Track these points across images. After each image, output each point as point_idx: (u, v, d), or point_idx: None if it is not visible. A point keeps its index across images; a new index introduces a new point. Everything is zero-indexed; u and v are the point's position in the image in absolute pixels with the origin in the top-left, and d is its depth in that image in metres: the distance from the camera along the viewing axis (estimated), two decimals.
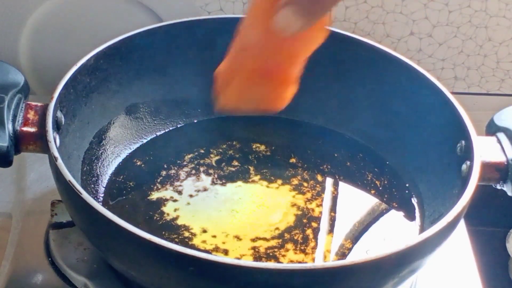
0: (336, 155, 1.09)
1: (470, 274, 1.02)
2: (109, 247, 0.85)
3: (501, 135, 0.96)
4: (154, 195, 1.00)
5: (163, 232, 0.94)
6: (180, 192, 1.00)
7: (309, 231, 0.96)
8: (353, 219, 0.98)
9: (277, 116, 1.07)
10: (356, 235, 0.96)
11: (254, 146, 1.09)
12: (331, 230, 0.96)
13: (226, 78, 0.86)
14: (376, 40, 1.13)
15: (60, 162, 0.84)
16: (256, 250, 0.93)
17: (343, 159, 1.08)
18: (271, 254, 0.92)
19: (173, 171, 1.04)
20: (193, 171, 1.05)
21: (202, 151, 1.08)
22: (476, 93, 1.35)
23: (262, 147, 1.09)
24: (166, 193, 1.00)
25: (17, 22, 1.25)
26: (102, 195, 1.00)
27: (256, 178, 1.04)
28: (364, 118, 1.11)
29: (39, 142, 0.91)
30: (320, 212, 0.99)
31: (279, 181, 1.03)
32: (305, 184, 1.03)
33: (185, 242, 0.93)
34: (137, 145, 1.07)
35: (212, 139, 1.10)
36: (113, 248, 0.84)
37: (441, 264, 1.01)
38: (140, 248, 0.78)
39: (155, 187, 1.01)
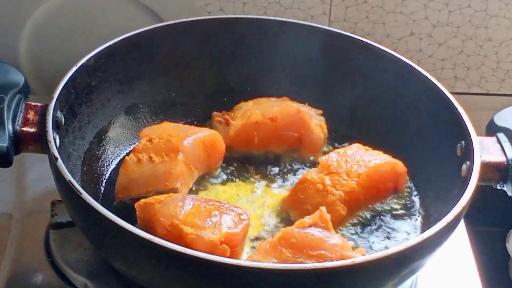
0: None
1: (470, 274, 1.02)
2: (109, 247, 0.85)
3: (501, 135, 0.96)
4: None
5: None
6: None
7: None
8: (353, 219, 0.98)
9: None
10: (356, 235, 0.96)
11: None
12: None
13: None
14: (376, 40, 1.13)
15: (60, 162, 0.85)
16: None
17: None
18: None
19: None
20: None
21: None
22: (476, 93, 1.35)
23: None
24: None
25: (17, 22, 1.25)
26: (102, 195, 1.00)
27: (256, 177, 1.04)
28: (364, 118, 1.11)
29: (39, 142, 0.91)
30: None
31: (279, 181, 1.03)
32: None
33: None
34: None
35: None
36: (113, 248, 0.84)
37: (441, 264, 1.01)
38: (140, 248, 0.78)
39: None
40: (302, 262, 0.83)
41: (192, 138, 0.99)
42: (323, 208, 0.90)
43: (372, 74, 1.09)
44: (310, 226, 0.88)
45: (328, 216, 0.89)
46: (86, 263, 0.95)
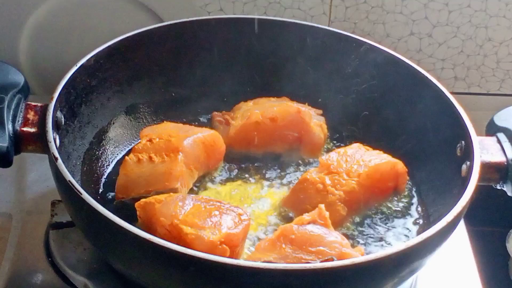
0: None
1: (470, 274, 1.02)
2: (109, 247, 0.85)
3: (501, 135, 0.96)
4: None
5: None
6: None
7: None
8: (353, 219, 0.98)
9: None
10: (356, 235, 0.96)
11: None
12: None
13: None
14: (376, 40, 1.13)
15: (60, 162, 0.85)
16: None
17: None
18: None
19: None
20: None
21: None
22: (476, 93, 1.35)
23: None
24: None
25: (17, 22, 1.25)
26: (102, 195, 1.00)
27: (256, 177, 1.04)
28: (364, 118, 1.11)
29: (39, 142, 0.91)
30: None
31: (279, 181, 1.03)
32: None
33: None
34: None
35: None
36: (113, 248, 0.84)
37: (441, 264, 1.01)
38: (140, 248, 0.78)
39: None
40: (301, 258, 0.83)
41: (192, 138, 0.99)
42: (322, 206, 0.90)
43: (372, 74, 1.09)
44: (309, 223, 0.88)
45: (326, 214, 0.89)
46: (86, 263, 0.95)
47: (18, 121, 0.91)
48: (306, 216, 0.89)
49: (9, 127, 0.89)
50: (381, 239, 0.96)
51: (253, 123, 1.05)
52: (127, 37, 1.05)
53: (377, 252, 0.79)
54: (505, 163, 0.93)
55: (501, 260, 1.18)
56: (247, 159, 1.06)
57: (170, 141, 0.98)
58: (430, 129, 1.03)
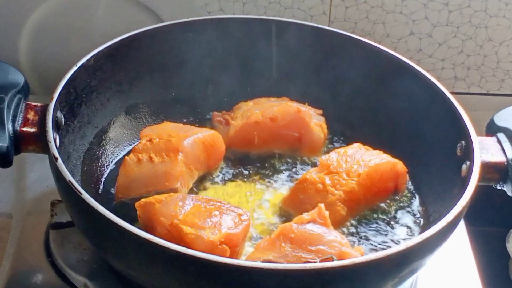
0: None
1: (470, 274, 1.02)
2: (109, 247, 0.85)
3: (501, 135, 0.96)
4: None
5: None
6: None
7: None
8: (353, 219, 0.98)
9: None
10: (356, 235, 0.96)
11: None
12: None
13: None
14: (376, 40, 1.13)
15: (60, 162, 0.85)
16: None
17: None
18: None
19: None
20: None
21: None
22: (476, 93, 1.35)
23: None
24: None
25: (17, 22, 1.25)
26: (102, 195, 1.00)
27: (256, 177, 1.04)
28: (364, 118, 1.11)
29: (39, 142, 0.91)
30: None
31: (279, 181, 1.03)
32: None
33: None
34: None
35: None
36: (113, 248, 0.84)
37: (441, 264, 1.01)
38: (140, 248, 0.78)
39: None
40: (301, 257, 0.83)
41: (192, 138, 0.99)
42: (322, 205, 0.90)
43: (372, 74, 1.09)
44: (308, 222, 0.88)
45: (326, 213, 0.89)
46: (86, 263, 0.95)
47: (18, 121, 0.91)
48: (306, 215, 0.89)
49: (9, 127, 0.89)
50: (381, 239, 0.96)
51: (253, 123, 1.05)
52: (127, 37, 1.05)
53: (377, 252, 0.79)
54: (505, 163, 0.93)
55: (501, 260, 1.18)
56: (247, 159, 1.06)
57: (170, 141, 0.98)
58: (430, 129, 1.03)
